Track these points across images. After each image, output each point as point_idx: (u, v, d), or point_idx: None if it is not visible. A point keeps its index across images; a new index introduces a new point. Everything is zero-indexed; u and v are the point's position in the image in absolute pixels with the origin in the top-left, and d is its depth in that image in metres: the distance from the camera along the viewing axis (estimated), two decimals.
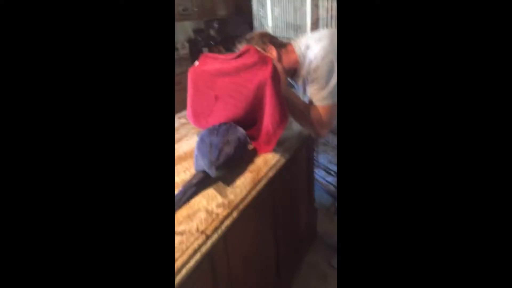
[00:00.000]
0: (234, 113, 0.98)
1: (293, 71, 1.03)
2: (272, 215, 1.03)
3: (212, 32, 3.36)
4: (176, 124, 1.22)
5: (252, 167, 0.86)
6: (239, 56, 0.96)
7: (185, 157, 0.95)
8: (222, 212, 0.68)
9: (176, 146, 1.03)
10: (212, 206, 0.70)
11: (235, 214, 0.70)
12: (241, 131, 0.90)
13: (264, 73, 0.89)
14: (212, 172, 0.76)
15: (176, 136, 1.11)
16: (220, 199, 0.72)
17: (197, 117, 1.09)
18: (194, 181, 0.76)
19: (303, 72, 0.98)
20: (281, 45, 1.04)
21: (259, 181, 0.82)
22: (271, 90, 0.89)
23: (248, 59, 0.93)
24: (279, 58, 1.00)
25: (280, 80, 0.92)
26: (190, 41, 3.14)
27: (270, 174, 0.86)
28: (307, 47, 0.98)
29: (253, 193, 0.78)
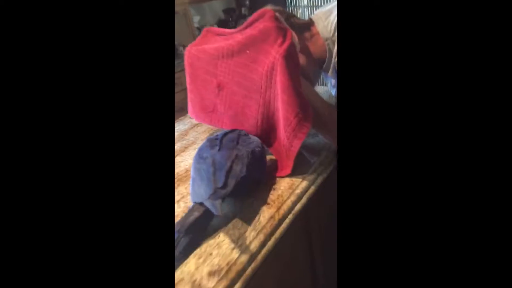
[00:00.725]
0: (244, 109, 0.71)
1: (322, 61, 0.75)
2: (308, 248, 0.76)
3: (244, 11, 3.06)
4: (186, 126, 0.99)
5: (271, 196, 0.59)
6: (251, 24, 0.67)
7: (186, 177, 0.71)
8: (216, 287, 0.43)
9: (177, 159, 0.80)
10: (203, 273, 0.45)
11: (238, 286, 0.45)
12: (255, 140, 0.63)
13: (277, 51, 0.60)
14: (216, 208, 0.49)
15: (183, 143, 0.88)
16: (216, 260, 0.47)
17: (198, 114, 0.84)
18: (189, 221, 0.49)
19: (333, 61, 0.70)
20: (302, 27, 0.73)
21: (279, 220, 0.55)
22: (283, 78, 0.59)
23: (260, 29, 0.64)
24: (304, 47, 0.70)
25: (298, 66, 0.63)
26: (219, 22, 2.88)
27: (299, 206, 0.59)
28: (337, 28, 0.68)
29: (271, 242, 0.52)
